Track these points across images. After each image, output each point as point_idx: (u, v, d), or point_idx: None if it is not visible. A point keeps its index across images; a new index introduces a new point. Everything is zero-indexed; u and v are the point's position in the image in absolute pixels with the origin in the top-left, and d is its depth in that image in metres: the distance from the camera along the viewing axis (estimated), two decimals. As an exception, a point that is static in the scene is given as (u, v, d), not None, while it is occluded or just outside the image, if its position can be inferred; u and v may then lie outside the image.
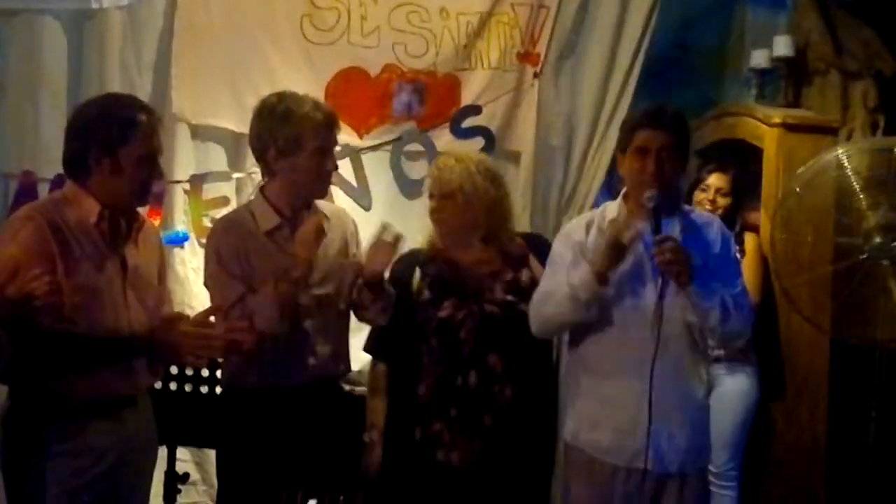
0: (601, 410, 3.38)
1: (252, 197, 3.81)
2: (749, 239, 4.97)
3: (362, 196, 4.94)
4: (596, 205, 4.60)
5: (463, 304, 3.59)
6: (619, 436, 3.34)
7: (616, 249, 3.23)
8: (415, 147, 5.09)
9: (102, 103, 3.26)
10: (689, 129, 3.45)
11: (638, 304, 3.32)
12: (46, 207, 3.18)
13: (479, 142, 5.06)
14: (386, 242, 3.52)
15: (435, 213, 3.70)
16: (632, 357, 3.31)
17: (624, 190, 3.50)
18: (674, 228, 3.34)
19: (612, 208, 3.49)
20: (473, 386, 3.55)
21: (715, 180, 4.98)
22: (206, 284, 3.58)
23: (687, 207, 3.58)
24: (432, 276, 3.68)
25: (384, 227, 3.58)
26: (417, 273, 3.68)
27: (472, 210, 3.66)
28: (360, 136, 5.06)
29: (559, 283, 3.35)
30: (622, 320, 3.33)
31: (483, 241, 3.71)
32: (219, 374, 3.98)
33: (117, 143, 3.11)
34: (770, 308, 4.98)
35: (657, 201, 3.25)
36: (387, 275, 3.60)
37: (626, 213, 3.37)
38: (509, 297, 3.60)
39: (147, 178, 3.19)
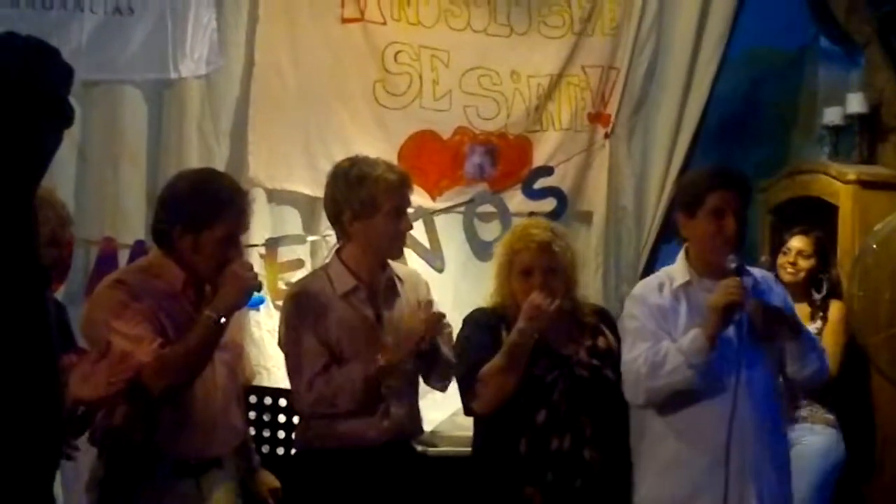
0: (676, 473, 3.36)
1: (327, 260, 3.84)
2: (834, 308, 4.74)
3: (435, 258, 4.96)
4: (662, 263, 4.55)
5: (554, 365, 3.58)
6: (696, 498, 3.32)
7: (728, 312, 3.23)
8: (487, 208, 5.12)
9: (194, 179, 3.25)
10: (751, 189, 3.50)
11: (720, 368, 3.30)
12: (131, 275, 3.23)
13: (551, 202, 5.07)
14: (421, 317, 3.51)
15: (542, 289, 3.54)
16: (710, 421, 3.30)
17: (683, 251, 3.50)
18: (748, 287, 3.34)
19: (679, 270, 3.47)
20: (567, 449, 3.52)
21: (796, 242, 4.81)
22: (280, 346, 3.61)
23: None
24: None
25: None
26: (504, 331, 3.63)
27: (567, 278, 3.66)
28: (433, 198, 5.10)
29: (669, 351, 3.31)
30: (703, 385, 3.31)
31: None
32: (293, 435, 4.00)
33: (202, 224, 3.09)
34: (855, 374, 4.82)
35: (739, 262, 3.28)
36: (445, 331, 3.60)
37: (730, 276, 3.30)
38: (594, 361, 3.57)
39: (226, 258, 3.14)
